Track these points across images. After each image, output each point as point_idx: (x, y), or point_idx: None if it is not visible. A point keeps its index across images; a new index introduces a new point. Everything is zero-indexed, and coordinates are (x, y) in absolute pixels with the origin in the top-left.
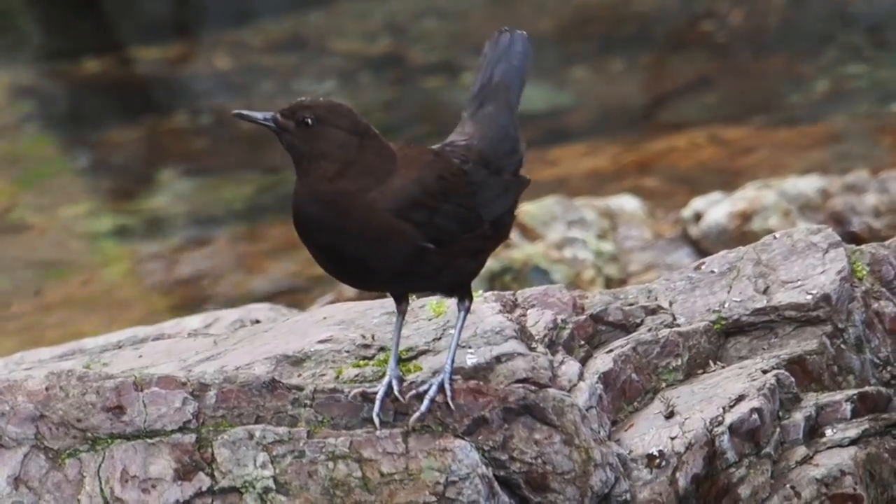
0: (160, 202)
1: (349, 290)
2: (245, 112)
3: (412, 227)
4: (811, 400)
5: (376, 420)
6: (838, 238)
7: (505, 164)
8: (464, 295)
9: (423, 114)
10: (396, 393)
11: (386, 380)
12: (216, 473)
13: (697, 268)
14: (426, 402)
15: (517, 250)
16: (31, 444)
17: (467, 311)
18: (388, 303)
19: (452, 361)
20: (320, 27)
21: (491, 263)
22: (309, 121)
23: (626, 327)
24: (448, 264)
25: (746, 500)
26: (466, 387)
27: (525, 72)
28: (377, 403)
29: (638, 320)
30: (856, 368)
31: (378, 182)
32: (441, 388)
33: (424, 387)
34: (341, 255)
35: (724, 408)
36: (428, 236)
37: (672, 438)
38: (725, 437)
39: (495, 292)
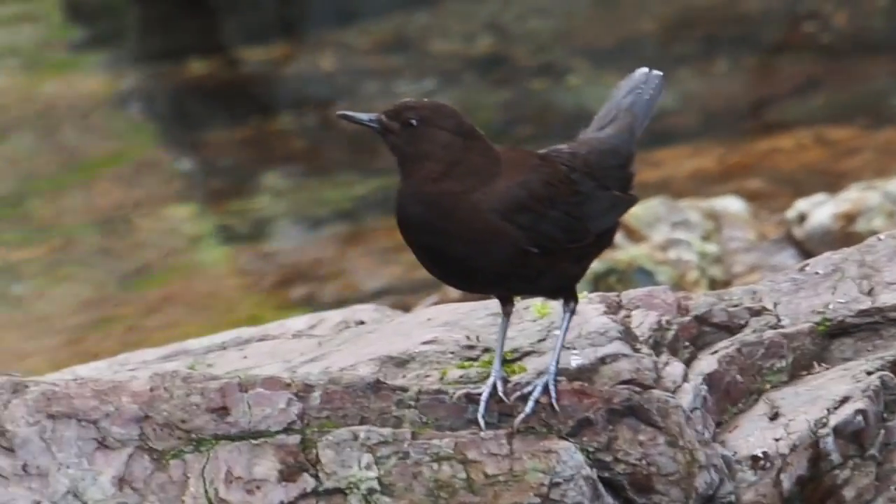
0: (264, 203)
1: (454, 292)
2: (349, 113)
3: (516, 229)
4: None
5: (481, 421)
6: None
7: (611, 177)
8: (568, 297)
9: (526, 115)
10: (501, 394)
11: (490, 381)
12: (321, 474)
13: (802, 269)
14: (531, 403)
15: (621, 251)
16: (136, 445)
17: (573, 312)
18: (493, 304)
19: (557, 363)
20: (424, 27)
21: (595, 265)
22: (413, 122)
23: (730, 329)
24: (551, 268)
25: (851, 502)
26: (571, 388)
27: (653, 107)
28: (482, 404)
29: (742, 322)
30: None
31: (483, 183)
32: (545, 390)
33: (529, 388)
34: (444, 255)
35: (828, 409)
36: (532, 241)
37: (776, 440)
38: (830, 439)
39: (600, 293)
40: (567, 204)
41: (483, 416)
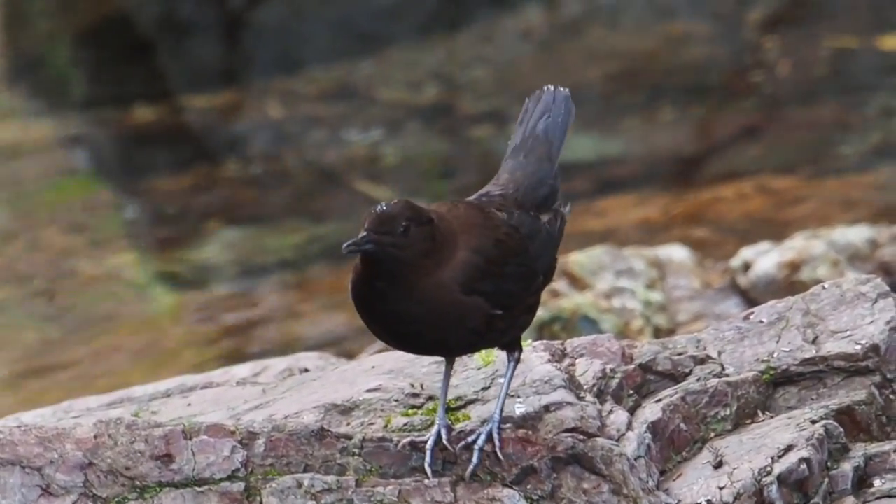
0: (209, 251)
1: None
2: (352, 247)
3: (482, 299)
4: (860, 450)
5: (428, 470)
6: (887, 288)
7: (540, 208)
8: (514, 346)
9: (471, 163)
10: (445, 442)
11: (435, 429)
12: None
13: (746, 318)
14: (476, 452)
15: (566, 299)
16: (80, 492)
17: (517, 361)
18: None
19: (501, 411)
20: (369, 76)
21: (540, 313)
22: (403, 227)
23: (674, 377)
24: (511, 325)
25: None
26: (515, 436)
27: (566, 128)
28: (428, 453)
29: (687, 370)
30: None
31: (449, 259)
32: (489, 438)
33: (473, 437)
34: (419, 339)
35: (772, 458)
36: (496, 304)
37: (720, 488)
38: (774, 487)
39: (544, 341)
40: (517, 256)
41: (430, 465)
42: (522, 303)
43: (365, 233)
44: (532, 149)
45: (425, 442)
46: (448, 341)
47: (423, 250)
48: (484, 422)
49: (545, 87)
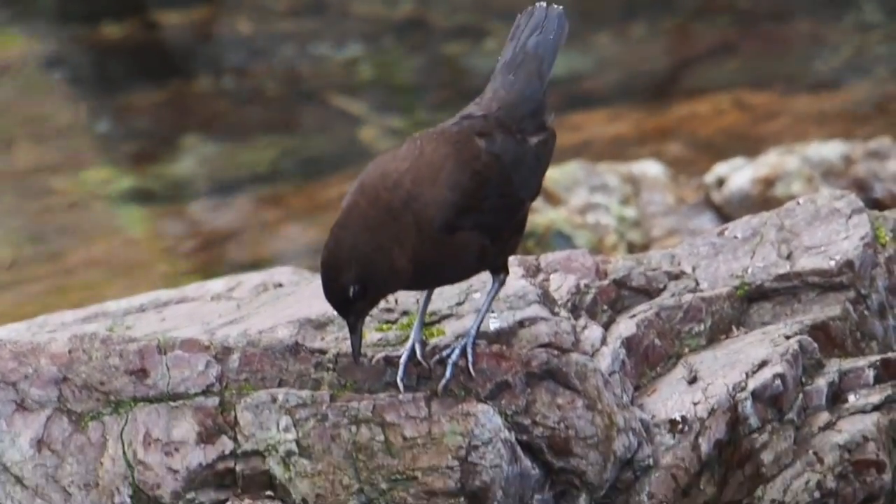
0: (183, 166)
1: None
2: (357, 357)
3: (468, 233)
4: (834, 366)
5: (400, 385)
6: (861, 204)
7: (526, 127)
8: (500, 268)
9: (445, 79)
10: (419, 357)
11: (409, 344)
12: (239, 437)
13: (720, 233)
14: (449, 367)
15: (540, 215)
16: (54, 407)
17: (502, 283)
18: None
19: (478, 328)
20: None
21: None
22: (353, 290)
23: (649, 292)
24: (503, 248)
25: (769, 466)
26: (489, 351)
27: (558, 45)
28: (401, 368)
29: (661, 285)
30: (878, 334)
31: (422, 213)
32: (463, 353)
33: (447, 352)
34: (435, 282)
35: (746, 373)
36: (484, 234)
37: (695, 404)
38: (748, 403)
39: (518, 257)
40: (498, 185)
41: (402, 379)
42: (510, 227)
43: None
44: (521, 65)
45: (399, 357)
46: (451, 278)
47: (389, 269)
48: (458, 337)
49: (538, 3)
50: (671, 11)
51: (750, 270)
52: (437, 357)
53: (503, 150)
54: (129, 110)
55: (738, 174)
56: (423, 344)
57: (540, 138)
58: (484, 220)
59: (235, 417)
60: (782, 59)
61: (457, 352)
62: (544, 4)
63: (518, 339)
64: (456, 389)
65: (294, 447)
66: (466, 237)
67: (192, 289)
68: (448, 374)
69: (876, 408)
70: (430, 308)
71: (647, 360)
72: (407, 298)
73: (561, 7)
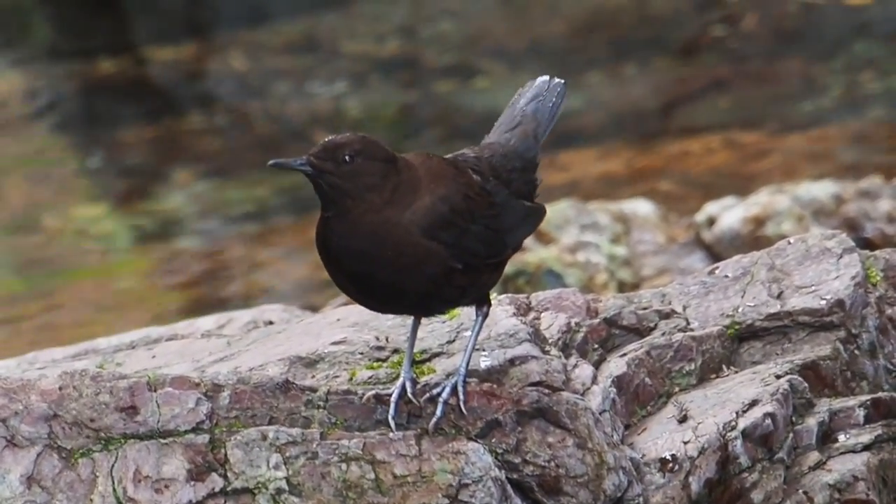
0: (174, 203)
1: None
2: (280, 161)
3: (443, 247)
4: (824, 405)
5: (392, 423)
6: (852, 243)
7: (517, 182)
8: (482, 301)
9: (435, 117)
10: (410, 395)
11: (399, 382)
12: (229, 474)
13: (711, 272)
14: (440, 405)
15: (531, 254)
16: (45, 444)
17: (485, 316)
18: None
19: (467, 365)
20: (334, 29)
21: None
22: (348, 157)
23: (639, 331)
24: (472, 284)
25: None
26: (480, 389)
27: (556, 113)
28: (392, 406)
29: (652, 324)
30: (869, 374)
31: (410, 204)
32: (454, 391)
33: (437, 389)
34: (375, 281)
35: (737, 412)
36: (456, 257)
37: (685, 443)
38: (738, 442)
39: (509, 295)
40: (485, 217)
41: (393, 418)
42: (485, 264)
43: (305, 157)
44: (518, 125)
45: (390, 395)
46: (405, 286)
47: (369, 185)
48: (449, 375)
49: (542, 77)
50: (662, 50)
51: (741, 310)
52: (427, 395)
53: (495, 191)
54: (120, 146)
55: (729, 213)
56: (414, 382)
57: (533, 204)
58: (466, 243)
59: (226, 455)
60: (773, 99)
61: (447, 390)
62: (547, 77)
63: (509, 377)
64: (446, 428)
65: (284, 485)
66: (438, 249)
67: (182, 326)
68: (439, 412)
69: (866, 447)
70: (421, 346)
71: (638, 399)
72: (398, 336)
73: (563, 80)
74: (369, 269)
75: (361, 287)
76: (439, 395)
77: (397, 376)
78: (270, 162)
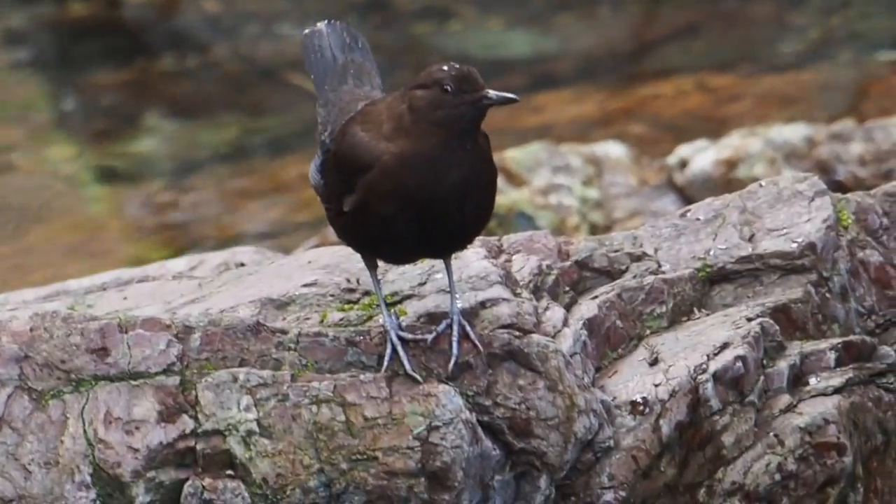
0: (146, 145)
1: (334, 235)
2: (514, 97)
3: None
4: (795, 349)
5: (416, 376)
6: (824, 186)
7: None
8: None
9: (408, 59)
10: (404, 339)
11: (392, 336)
12: (200, 416)
13: (683, 215)
14: (454, 344)
15: (502, 196)
16: (15, 385)
17: (454, 256)
18: None
19: (459, 303)
20: None
21: None
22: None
23: (610, 274)
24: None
25: (730, 448)
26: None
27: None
28: (406, 362)
29: (623, 267)
30: (840, 317)
31: None
32: (462, 329)
33: (441, 327)
34: (477, 210)
35: (708, 355)
36: None
37: (656, 385)
38: (709, 385)
39: (480, 237)
40: None
41: (413, 371)
42: None
43: (485, 90)
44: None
45: (394, 350)
46: (490, 210)
47: None
48: (442, 319)
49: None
50: None
51: (712, 252)
52: (432, 336)
53: None
54: (92, 89)
55: (701, 156)
56: (400, 326)
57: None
58: None
59: (196, 397)
60: (746, 42)
61: (455, 329)
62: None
63: (480, 319)
64: (417, 370)
65: (255, 427)
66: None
67: (153, 268)
68: (455, 350)
69: (837, 390)
70: (392, 288)
71: (609, 342)
72: (369, 279)
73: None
74: (481, 196)
75: (442, 223)
76: (447, 334)
77: (368, 318)
78: (511, 94)
